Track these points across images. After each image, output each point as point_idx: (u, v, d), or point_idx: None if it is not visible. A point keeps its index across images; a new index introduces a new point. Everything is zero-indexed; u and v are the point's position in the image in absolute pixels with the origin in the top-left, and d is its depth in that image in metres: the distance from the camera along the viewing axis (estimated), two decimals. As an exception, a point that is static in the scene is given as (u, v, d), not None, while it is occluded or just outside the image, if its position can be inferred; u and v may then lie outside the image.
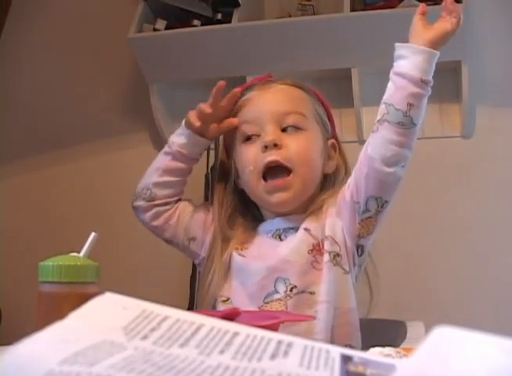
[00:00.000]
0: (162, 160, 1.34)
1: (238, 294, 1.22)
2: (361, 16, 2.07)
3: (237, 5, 2.15)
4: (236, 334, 0.48)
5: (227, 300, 1.24)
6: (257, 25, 2.17)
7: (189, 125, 1.30)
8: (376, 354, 0.79)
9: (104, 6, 2.53)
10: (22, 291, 1.73)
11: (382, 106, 1.15)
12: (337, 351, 0.48)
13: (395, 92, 1.14)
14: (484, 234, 2.03)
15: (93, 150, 2.48)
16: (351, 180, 1.19)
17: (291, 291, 1.17)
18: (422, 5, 1.24)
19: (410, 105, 1.12)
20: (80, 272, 0.89)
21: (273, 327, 0.85)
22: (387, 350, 0.81)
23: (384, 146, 1.13)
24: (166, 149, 1.34)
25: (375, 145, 1.14)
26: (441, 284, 2.04)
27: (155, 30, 2.21)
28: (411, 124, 1.12)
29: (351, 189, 1.19)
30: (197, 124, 1.28)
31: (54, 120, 2.52)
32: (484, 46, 2.17)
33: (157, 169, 1.33)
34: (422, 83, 1.14)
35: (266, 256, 1.23)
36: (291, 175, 1.21)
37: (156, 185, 1.32)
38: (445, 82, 2.18)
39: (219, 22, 2.19)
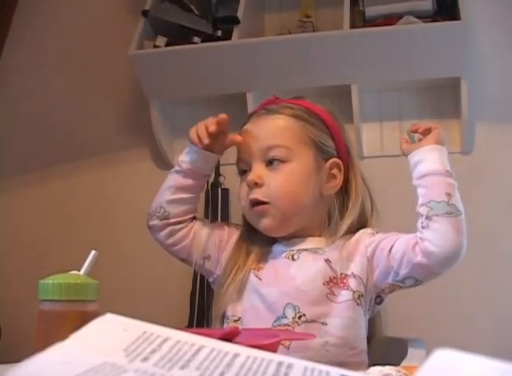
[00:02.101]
0: (173, 178, 1.37)
1: (249, 315, 1.24)
2: (360, 33, 2.08)
3: (237, 22, 2.16)
4: (236, 355, 0.48)
5: (238, 319, 1.25)
6: (257, 42, 2.17)
7: (197, 142, 1.33)
8: (376, 373, 0.79)
9: (105, 23, 2.54)
10: (22, 308, 1.73)
11: (422, 208, 1.18)
12: (336, 372, 0.48)
13: (429, 189, 1.19)
14: (484, 250, 2.03)
15: (93, 166, 2.48)
16: (396, 247, 1.21)
17: (299, 318, 1.19)
18: (404, 138, 1.34)
19: (448, 194, 1.17)
20: (80, 291, 0.89)
21: (273, 346, 0.85)
22: (387, 369, 0.81)
23: (443, 239, 1.15)
24: (176, 168, 1.37)
25: (433, 240, 1.15)
26: (441, 301, 2.03)
27: (155, 46, 2.22)
28: (458, 211, 1.17)
29: (393, 256, 1.20)
30: (206, 141, 1.31)
31: (54, 135, 2.52)
32: (483, 63, 2.18)
33: (169, 187, 1.36)
34: (448, 173, 1.20)
35: (280, 279, 1.24)
36: (269, 204, 1.26)
37: (170, 202, 1.35)
38: (445, 98, 2.19)
39: (219, 39, 2.19)
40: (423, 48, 2.02)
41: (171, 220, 1.35)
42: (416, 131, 1.30)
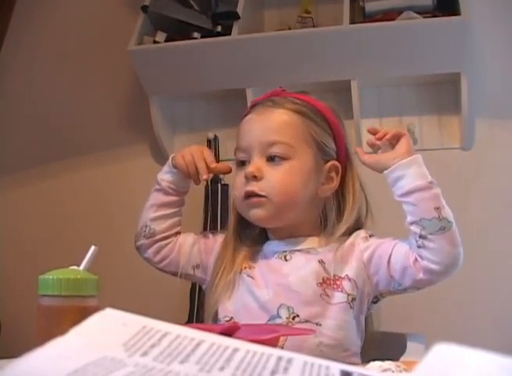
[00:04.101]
0: (154, 197, 1.39)
1: (241, 315, 1.23)
2: (360, 29, 2.08)
3: (237, 17, 2.16)
4: (235, 350, 0.48)
5: (230, 319, 1.24)
6: (257, 37, 2.17)
7: (187, 177, 1.36)
8: (375, 368, 0.79)
9: (104, 19, 2.54)
10: (22, 303, 1.73)
11: (413, 226, 1.16)
12: (336, 367, 0.48)
13: (417, 207, 1.15)
14: (483, 247, 2.03)
15: (93, 162, 2.48)
16: (394, 257, 1.20)
17: (293, 319, 1.19)
18: (360, 149, 1.28)
19: (437, 208, 1.14)
20: (79, 286, 0.89)
21: (272, 341, 0.85)
22: (387, 364, 0.81)
23: (441, 256, 1.14)
24: (156, 186, 1.39)
25: (431, 258, 1.14)
26: (441, 297, 2.03)
27: (155, 42, 2.21)
28: (449, 223, 1.14)
29: (393, 266, 1.20)
30: (198, 183, 1.36)
31: (54, 132, 2.52)
32: (483, 58, 2.18)
33: (152, 206, 1.38)
34: (431, 184, 1.15)
35: (272, 278, 1.24)
36: (265, 198, 1.25)
37: (154, 220, 1.37)
38: (445, 94, 2.18)
39: (219, 34, 2.19)
40: (423, 44, 2.02)
41: (158, 236, 1.37)
42: (381, 139, 1.23)
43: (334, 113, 1.34)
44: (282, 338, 1.14)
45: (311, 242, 1.28)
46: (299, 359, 0.48)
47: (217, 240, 1.37)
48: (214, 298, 1.28)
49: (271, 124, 1.29)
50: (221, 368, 0.45)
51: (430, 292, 1.91)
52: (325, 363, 0.48)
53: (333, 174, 1.30)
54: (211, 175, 1.38)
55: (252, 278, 1.26)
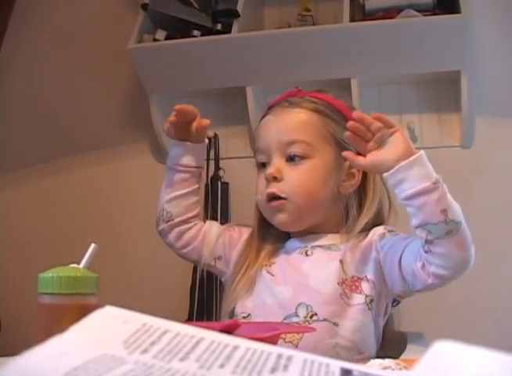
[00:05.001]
0: (166, 178, 1.38)
1: (259, 311, 1.23)
2: (360, 27, 2.07)
3: (237, 15, 2.16)
4: (235, 347, 0.48)
5: (248, 316, 1.25)
6: (257, 35, 2.17)
7: (167, 134, 1.36)
8: (375, 366, 0.79)
9: (104, 17, 2.53)
10: (22, 301, 1.73)
11: (419, 230, 1.08)
12: (336, 365, 0.48)
13: (421, 212, 1.07)
14: (483, 245, 2.02)
15: (93, 161, 2.47)
16: (404, 260, 1.17)
17: (311, 317, 1.18)
18: (349, 153, 1.17)
19: (444, 211, 1.06)
20: (79, 284, 0.89)
21: (272, 339, 0.85)
22: (387, 362, 0.81)
23: (451, 261, 1.09)
24: (166, 167, 1.39)
25: (439, 263, 1.09)
26: (441, 296, 2.03)
27: (155, 40, 2.21)
28: (457, 224, 1.07)
29: (404, 269, 1.17)
30: (166, 126, 1.33)
31: (53, 130, 2.52)
32: (483, 56, 2.18)
33: (165, 187, 1.38)
34: (436, 185, 1.07)
35: (293, 275, 1.25)
36: (286, 200, 1.25)
37: (169, 202, 1.37)
38: (445, 92, 2.18)
39: (219, 32, 2.19)
40: (423, 42, 2.02)
41: (176, 220, 1.36)
42: (372, 129, 1.11)
43: (352, 110, 1.34)
44: (296, 338, 1.14)
45: (333, 238, 1.29)
46: (299, 356, 0.48)
47: (242, 235, 1.37)
48: (234, 295, 1.28)
49: (289, 124, 1.29)
50: (221, 366, 0.45)
51: (431, 291, 1.91)
52: (325, 360, 0.48)
53: (354, 170, 1.29)
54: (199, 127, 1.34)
55: (272, 275, 1.27)
